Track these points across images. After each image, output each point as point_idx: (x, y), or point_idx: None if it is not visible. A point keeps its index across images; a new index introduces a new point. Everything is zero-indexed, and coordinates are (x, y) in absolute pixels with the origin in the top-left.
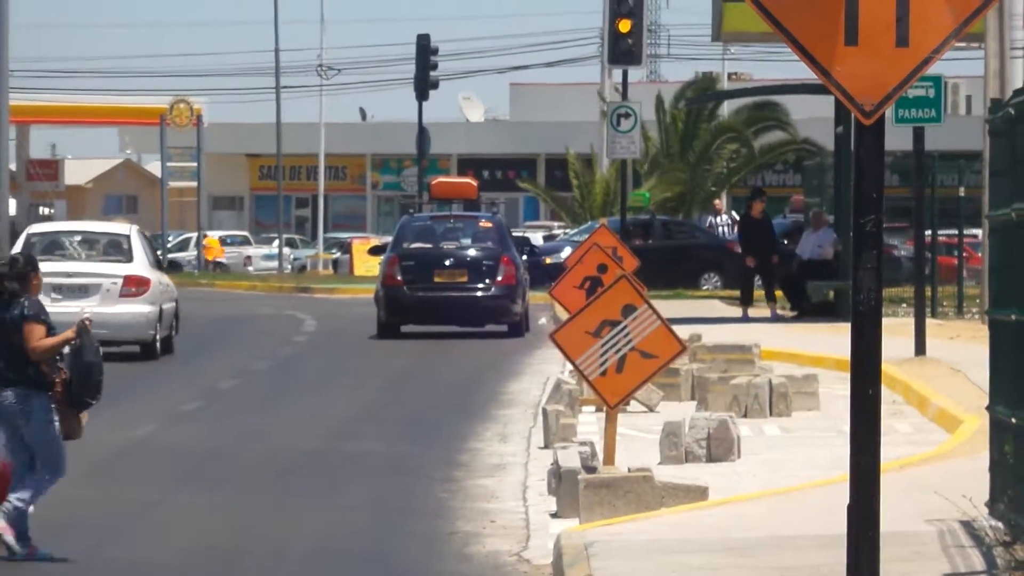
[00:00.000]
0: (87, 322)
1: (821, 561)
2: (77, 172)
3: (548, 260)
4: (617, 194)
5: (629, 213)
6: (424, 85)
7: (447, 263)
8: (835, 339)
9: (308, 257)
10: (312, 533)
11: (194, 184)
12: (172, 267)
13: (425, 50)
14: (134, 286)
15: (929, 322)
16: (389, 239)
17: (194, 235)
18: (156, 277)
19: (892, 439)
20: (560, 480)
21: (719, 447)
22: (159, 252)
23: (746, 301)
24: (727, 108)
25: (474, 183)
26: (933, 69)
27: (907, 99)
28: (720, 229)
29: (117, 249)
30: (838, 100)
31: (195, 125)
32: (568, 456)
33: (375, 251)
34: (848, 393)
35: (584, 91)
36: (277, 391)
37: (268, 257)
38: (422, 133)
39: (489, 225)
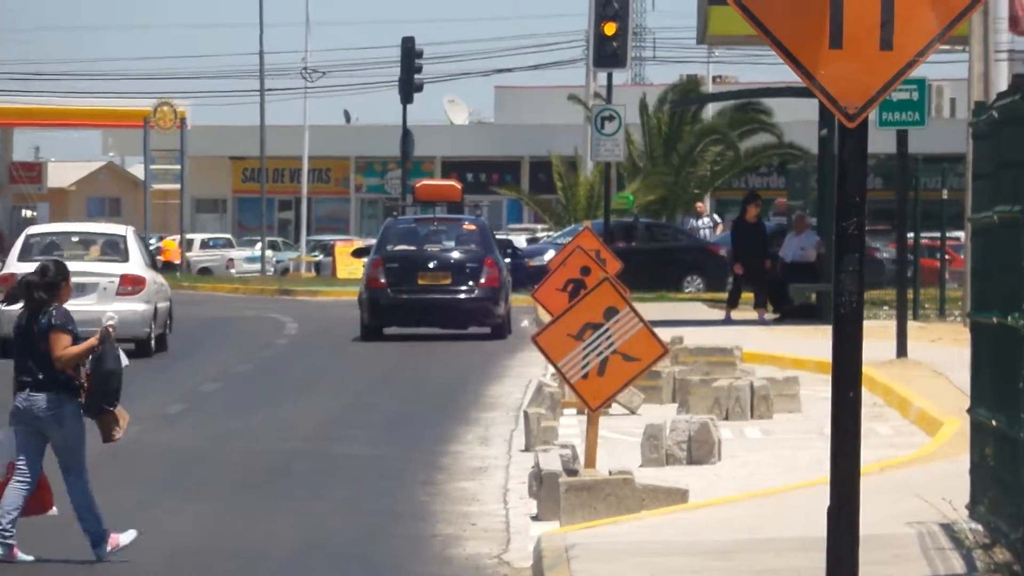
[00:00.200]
0: (111, 329)
1: (801, 564)
2: (60, 175)
3: (531, 263)
4: (601, 197)
5: (613, 216)
6: (409, 88)
7: (431, 265)
8: (817, 341)
9: (291, 260)
10: (294, 535)
11: (177, 187)
12: (166, 268)
13: (410, 53)
14: (130, 285)
15: (911, 324)
16: (373, 242)
17: (177, 237)
18: (151, 276)
19: (873, 441)
20: (541, 483)
21: (700, 450)
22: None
23: (732, 304)
24: (711, 111)
25: (458, 186)
26: (917, 72)
27: (891, 102)
28: (702, 232)
29: (114, 249)
30: (822, 103)
31: (178, 128)
32: (549, 459)
33: (358, 253)
34: (829, 395)
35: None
36: (259, 394)
37: (251, 260)
38: (406, 136)
39: (473, 228)
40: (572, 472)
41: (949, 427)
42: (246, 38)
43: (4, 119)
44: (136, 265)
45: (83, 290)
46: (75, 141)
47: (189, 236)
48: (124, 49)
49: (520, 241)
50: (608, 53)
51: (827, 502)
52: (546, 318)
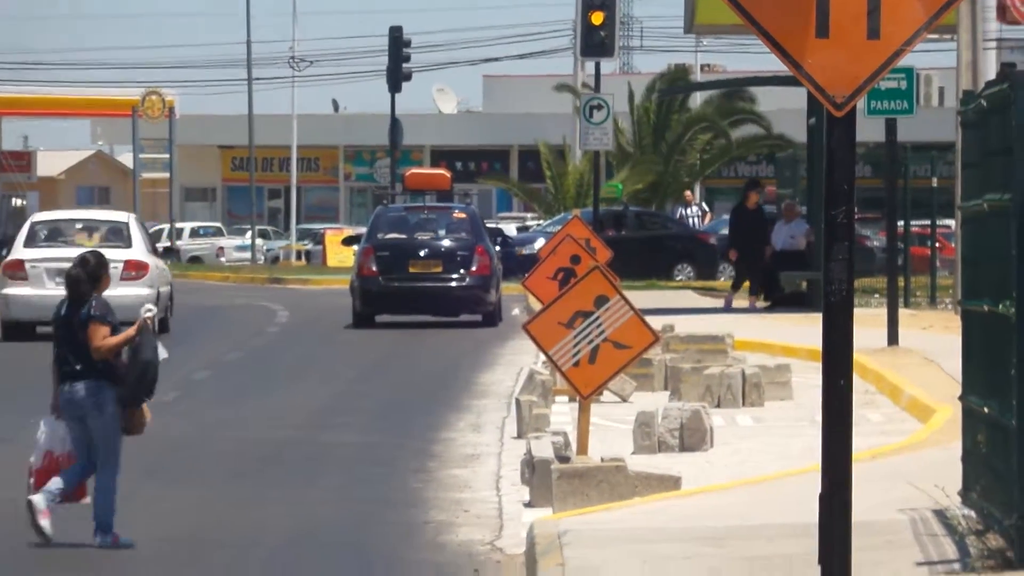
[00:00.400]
0: (148, 319)
1: (793, 550)
2: (49, 164)
3: (521, 251)
4: (590, 185)
5: (602, 204)
6: (397, 77)
7: (422, 253)
8: (808, 329)
9: (281, 248)
10: (285, 523)
11: (166, 175)
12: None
13: (398, 42)
14: (134, 270)
15: (902, 312)
16: (363, 230)
17: (166, 227)
18: (153, 262)
19: (864, 429)
20: (533, 470)
21: (692, 437)
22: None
23: (735, 288)
24: (699, 99)
25: (448, 174)
26: (905, 61)
27: (879, 91)
28: (691, 220)
29: (117, 235)
30: (810, 92)
31: (167, 117)
32: (541, 446)
33: (348, 241)
34: (821, 383)
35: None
36: (251, 382)
37: (241, 248)
38: (395, 125)
39: (463, 216)
40: (564, 459)
41: (941, 414)
42: (234, 27)
43: None
44: (139, 251)
45: None
46: (64, 130)
47: (179, 225)
48: (112, 38)
49: (510, 229)
50: (595, 42)
51: (819, 489)
52: (537, 306)
